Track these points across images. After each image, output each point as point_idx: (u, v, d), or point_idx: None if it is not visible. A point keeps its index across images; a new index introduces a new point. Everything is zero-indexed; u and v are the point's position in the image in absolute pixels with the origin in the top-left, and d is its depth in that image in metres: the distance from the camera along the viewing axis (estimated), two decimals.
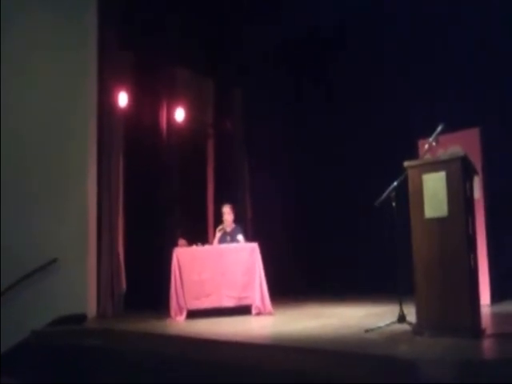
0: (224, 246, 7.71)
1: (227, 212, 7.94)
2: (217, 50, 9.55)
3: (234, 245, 7.69)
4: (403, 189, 5.38)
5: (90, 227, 7.62)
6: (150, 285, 8.03)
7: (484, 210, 7.30)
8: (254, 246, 7.46)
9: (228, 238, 7.87)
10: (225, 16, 9.29)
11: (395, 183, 5.57)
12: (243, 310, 7.26)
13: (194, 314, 7.19)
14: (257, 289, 7.25)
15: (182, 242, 7.82)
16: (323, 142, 10.02)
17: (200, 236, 8.27)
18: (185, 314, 7.20)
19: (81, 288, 7.45)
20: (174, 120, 9.26)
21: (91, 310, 7.49)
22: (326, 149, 9.99)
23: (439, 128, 5.58)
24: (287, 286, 9.22)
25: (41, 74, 7.71)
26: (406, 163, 5.30)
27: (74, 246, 7.49)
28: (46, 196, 7.53)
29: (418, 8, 8.32)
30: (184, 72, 9.50)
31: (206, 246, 7.79)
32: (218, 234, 7.94)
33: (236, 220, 8.09)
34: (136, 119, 8.71)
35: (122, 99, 8.29)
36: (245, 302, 7.30)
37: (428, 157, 5.64)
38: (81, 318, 7.18)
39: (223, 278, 7.30)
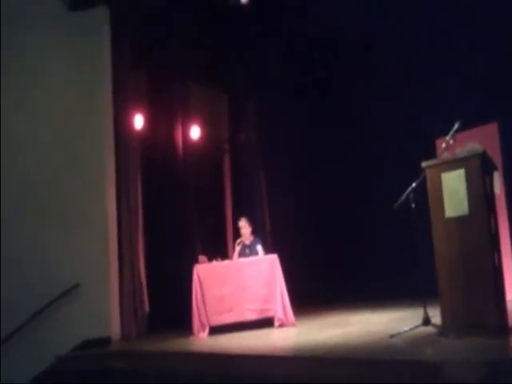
0: (243, 259, 7.68)
1: (243, 226, 7.91)
2: (229, 64, 9.51)
3: (253, 258, 7.66)
4: (422, 190, 5.28)
5: (111, 250, 7.56)
6: (172, 303, 7.99)
7: (506, 206, 7.14)
8: (274, 258, 7.40)
9: (247, 250, 7.83)
10: (236, 29, 9.25)
11: (414, 184, 5.48)
12: (266, 323, 7.18)
13: (216, 330, 7.14)
14: (278, 300, 7.16)
15: (202, 258, 7.80)
16: (340, 152, 9.92)
17: (220, 251, 8.27)
18: (207, 330, 7.14)
19: (104, 311, 7.37)
20: (190, 138, 9.28)
21: (115, 332, 7.41)
22: (344, 159, 9.90)
23: (456, 125, 5.50)
24: (309, 296, 9.03)
25: (55, 97, 7.74)
26: (424, 163, 5.23)
27: (95, 270, 7.42)
28: (65, 222, 7.49)
29: (430, 3, 8.24)
30: (197, 88, 9.53)
31: (226, 261, 7.76)
32: (238, 248, 7.89)
33: (254, 232, 8.05)
34: (152, 139, 8.72)
35: (138, 120, 8.30)
36: (267, 315, 7.22)
37: (446, 155, 5.54)
38: (105, 341, 7.13)
39: (244, 292, 7.25)
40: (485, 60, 7.74)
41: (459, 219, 4.94)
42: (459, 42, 8.03)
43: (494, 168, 5.51)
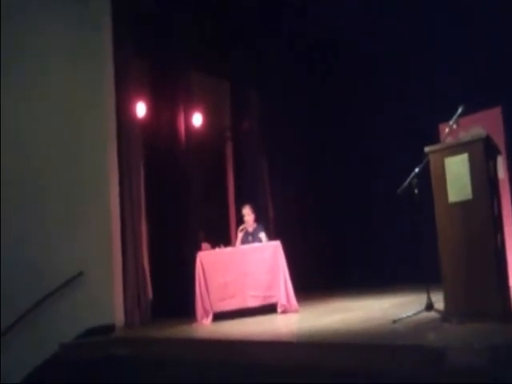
0: (246, 246, 7.67)
1: (247, 213, 7.90)
2: (231, 51, 9.46)
3: (256, 244, 7.64)
4: (425, 175, 5.25)
5: (114, 237, 7.54)
6: (176, 290, 7.98)
7: (510, 190, 7.11)
8: (277, 245, 7.39)
9: (250, 237, 7.82)
10: (238, 17, 9.22)
11: (417, 170, 5.44)
12: (269, 309, 7.18)
13: (219, 316, 7.13)
14: (281, 287, 7.16)
15: (205, 245, 7.82)
16: (341, 138, 9.92)
17: (223, 238, 8.24)
18: (211, 316, 7.13)
19: (108, 299, 7.37)
20: (192, 125, 9.20)
21: (119, 319, 7.41)
22: (345, 145, 9.91)
23: (459, 110, 5.45)
24: (312, 282, 9.06)
25: (56, 87, 7.67)
26: (427, 148, 5.18)
27: (99, 258, 7.41)
28: (69, 210, 7.45)
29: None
30: (199, 76, 9.44)
31: (229, 248, 7.75)
32: (240, 235, 7.88)
33: (257, 219, 8.04)
34: (154, 127, 8.71)
35: (140, 109, 8.28)
36: (270, 301, 7.23)
37: (449, 140, 5.50)
38: (109, 329, 7.12)
39: (247, 278, 7.24)
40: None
41: (463, 204, 4.90)
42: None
43: (498, 152, 5.46)
